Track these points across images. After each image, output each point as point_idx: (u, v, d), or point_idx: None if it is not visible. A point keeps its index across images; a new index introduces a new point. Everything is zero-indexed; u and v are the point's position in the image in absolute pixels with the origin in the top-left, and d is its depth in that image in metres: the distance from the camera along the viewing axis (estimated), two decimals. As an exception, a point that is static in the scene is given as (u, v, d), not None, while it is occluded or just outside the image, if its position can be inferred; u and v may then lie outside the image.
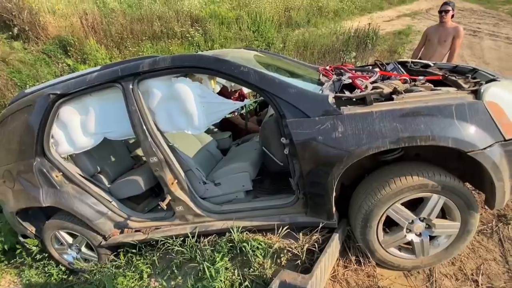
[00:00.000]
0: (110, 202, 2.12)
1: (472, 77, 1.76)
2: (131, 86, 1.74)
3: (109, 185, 2.22)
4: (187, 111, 1.71)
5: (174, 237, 1.97)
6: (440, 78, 1.85)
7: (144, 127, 1.76)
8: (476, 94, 1.36)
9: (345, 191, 1.81)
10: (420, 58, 3.59)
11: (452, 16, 3.31)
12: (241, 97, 2.57)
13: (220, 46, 6.55)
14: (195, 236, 1.90)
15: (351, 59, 5.30)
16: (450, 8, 3.26)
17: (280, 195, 1.87)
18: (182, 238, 1.97)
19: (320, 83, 1.98)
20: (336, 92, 1.68)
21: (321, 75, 2.16)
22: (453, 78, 1.76)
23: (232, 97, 2.52)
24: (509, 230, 2.14)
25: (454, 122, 1.32)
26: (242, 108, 2.44)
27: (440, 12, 3.33)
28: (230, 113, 2.33)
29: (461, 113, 1.32)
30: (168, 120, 1.81)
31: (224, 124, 2.59)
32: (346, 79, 1.83)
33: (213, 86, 1.97)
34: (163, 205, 1.84)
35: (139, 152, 2.52)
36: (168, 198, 1.86)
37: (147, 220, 2.10)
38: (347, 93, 1.63)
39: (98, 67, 2.09)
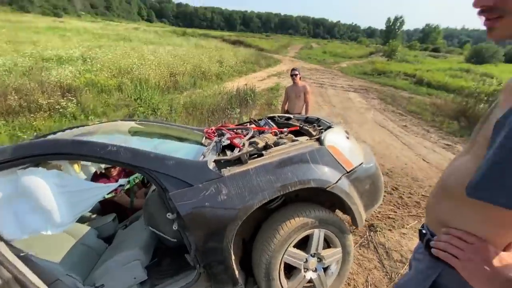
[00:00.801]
0: None
1: (318, 125, 2.26)
2: None
3: None
4: (42, 207, 1.39)
5: None
6: (298, 128, 2.29)
7: (-27, 242, 1.29)
8: (319, 141, 1.74)
9: (247, 247, 1.83)
10: (287, 111, 4.40)
11: (300, 78, 4.31)
12: (125, 172, 2.33)
13: (101, 114, 6.03)
14: None
15: (236, 115, 5.90)
16: (297, 72, 4.27)
17: (181, 274, 1.68)
18: None
19: (204, 146, 2.07)
20: (218, 154, 1.78)
21: (204, 138, 2.26)
22: (306, 127, 2.22)
23: (112, 177, 2.24)
24: (378, 237, 2.65)
25: (311, 166, 1.61)
26: (128, 182, 2.20)
27: (291, 75, 4.30)
28: (111, 192, 2.05)
29: (314, 158, 1.64)
30: (16, 223, 1.40)
31: (106, 206, 2.23)
32: (225, 140, 1.99)
33: (77, 171, 1.71)
34: None
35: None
36: (23, 332, 1.34)
37: None
38: (229, 153, 1.77)
39: None
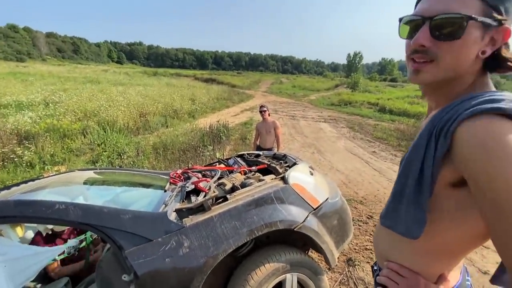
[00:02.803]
0: None
1: (284, 162, 2.28)
2: None
3: None
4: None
5: None
6: (266, 166, 2.29)
7: None
8: (284, 179, 1.74)
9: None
10: (259, 146, 4.46)
11: (269, 114, 4.45)
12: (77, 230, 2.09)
13: (62, 160, 5.65)
14: None
15: (209, 152, 5.84)
16: (265, 108, 4.41)
17: None
18: None
19: (167, 193, 1.97)
20: (182, 201, 1.69)
21: (168, 183, 2.17)
22: (273, 165, 2.23)
23: (61, 236, 2.00)
24: (357, 271, 2.58)
25: (277, 207, 1.58)
26: (80, 242, 1.96)
27: (260, 112, 4.43)
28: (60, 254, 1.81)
29: (279, 198, 1.62)
30: None
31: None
32: (189, 185, 1.91)
33: (20, 234, 1.52)
34: None
35: None
36: None
37: None
38: (194, 198, 1.69)
39: None
